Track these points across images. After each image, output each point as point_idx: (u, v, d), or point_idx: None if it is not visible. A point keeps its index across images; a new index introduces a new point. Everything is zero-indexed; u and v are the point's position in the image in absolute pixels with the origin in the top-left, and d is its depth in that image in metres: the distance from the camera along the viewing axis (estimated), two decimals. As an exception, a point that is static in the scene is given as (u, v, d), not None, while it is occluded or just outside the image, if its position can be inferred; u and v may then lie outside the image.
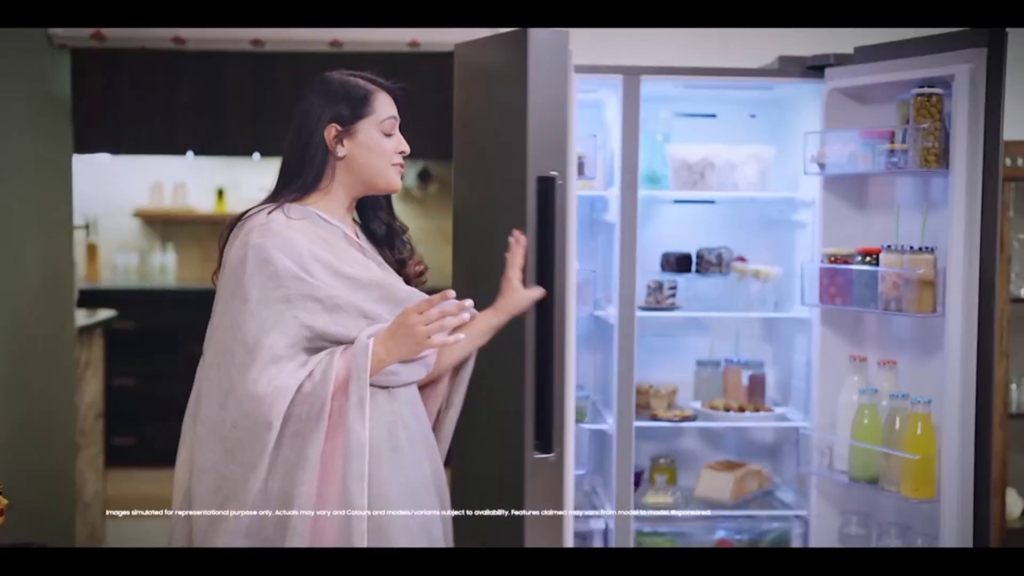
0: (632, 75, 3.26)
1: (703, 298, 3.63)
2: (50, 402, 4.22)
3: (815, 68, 3.32)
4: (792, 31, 3.36)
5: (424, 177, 7.16)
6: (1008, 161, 3.44)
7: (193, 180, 7.12)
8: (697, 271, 3.56)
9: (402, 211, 2.59)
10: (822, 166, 3.29)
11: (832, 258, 3.23)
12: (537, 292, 2.62)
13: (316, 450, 2.22)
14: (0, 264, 3.82)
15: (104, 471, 5.16)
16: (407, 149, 2.41)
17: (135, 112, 6.74)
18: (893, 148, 3.09)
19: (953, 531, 2.94)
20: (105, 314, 5.19)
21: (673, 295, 3.53)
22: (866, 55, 3.22)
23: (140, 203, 7.08)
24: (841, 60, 3.29)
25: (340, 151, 2.36)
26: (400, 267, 2.47)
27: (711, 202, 3.68)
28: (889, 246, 3.12)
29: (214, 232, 7.11)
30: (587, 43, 3.21)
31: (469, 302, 2.24)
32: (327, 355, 2.26)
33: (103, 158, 6.97)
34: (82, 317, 4.86)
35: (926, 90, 3.04)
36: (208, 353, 2.29)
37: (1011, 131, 3.63)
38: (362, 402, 2.23)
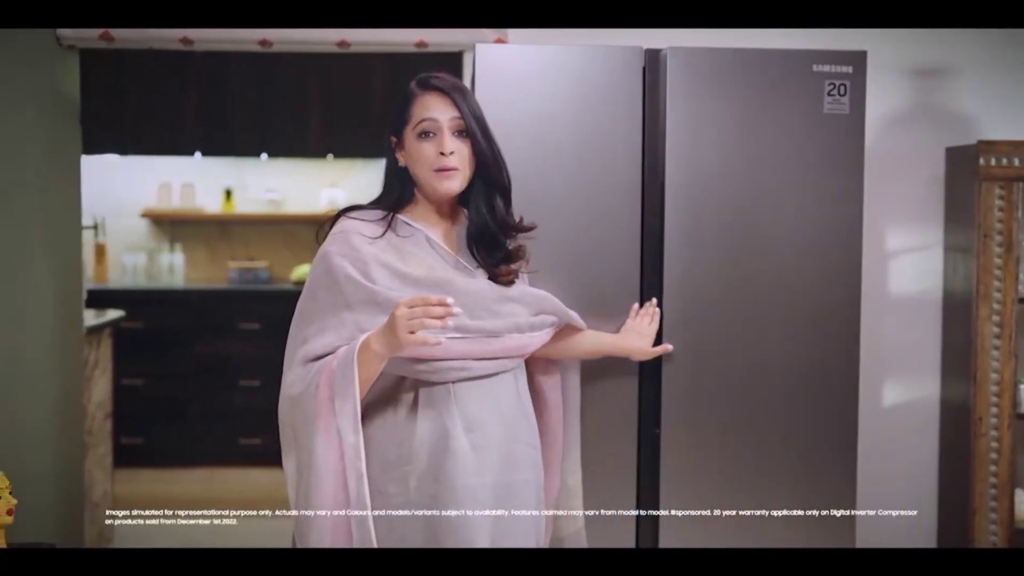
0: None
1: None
2: (58, 402, 4.23)
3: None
4: (789, 32, 3.35)
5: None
6: (1016, 161, 3.43)
7: (201, 180, 7.14)
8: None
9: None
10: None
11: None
12: (662, 351, 2.68)
13: (315, 453, 2.23)
14: (9, 264, 3.83)
15: (112, 471, 5.17)
16: (447, 150, 2.31)
17: (143, 113, 6.74)
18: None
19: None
20: (113, 314, 5.21)
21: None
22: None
23: (148, 203, 7.10)
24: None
25: (401, 161, 2.39)
26: (493, 268, 2.41)
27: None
28: None
29: (222, 232, 7.20)
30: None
31: (457, 310, 2.14)
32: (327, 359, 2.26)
33: (111, 158, 6.98)
34: (90, 317, 4.88)
35: None
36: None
37: (1012, 131, 3.63)
38: (345, 399, 2.19)
